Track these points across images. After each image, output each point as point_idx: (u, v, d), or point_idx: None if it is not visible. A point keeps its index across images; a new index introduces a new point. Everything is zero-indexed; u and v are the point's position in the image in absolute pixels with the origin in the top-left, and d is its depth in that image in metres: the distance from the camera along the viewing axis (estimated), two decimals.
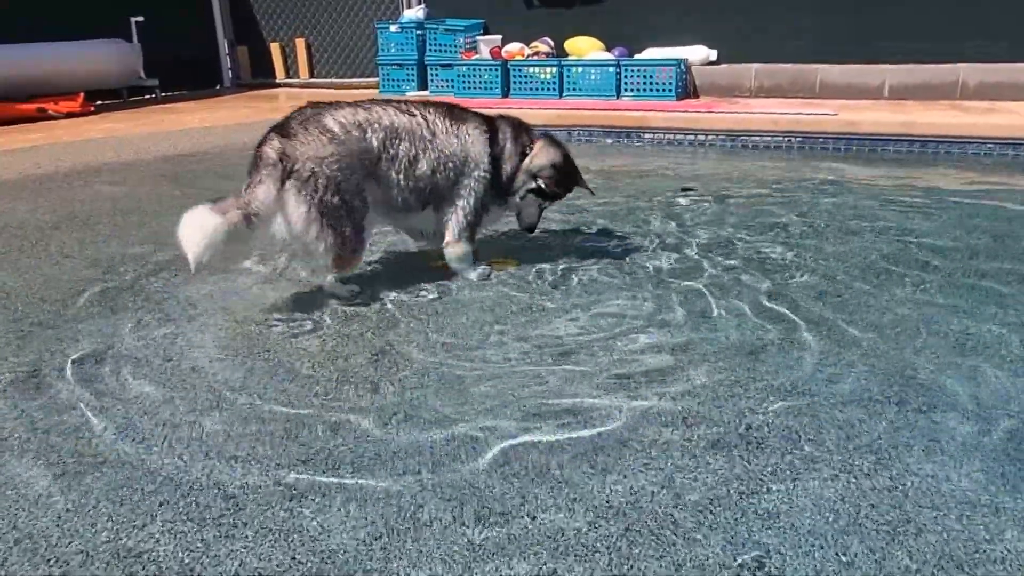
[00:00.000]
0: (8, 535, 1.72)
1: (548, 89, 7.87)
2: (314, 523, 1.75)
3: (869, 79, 7.32)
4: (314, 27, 10.37)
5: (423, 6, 9.17)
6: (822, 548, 1.64)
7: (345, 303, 3.03)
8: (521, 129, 3.36)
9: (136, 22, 8.94)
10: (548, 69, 7.87)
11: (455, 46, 8.53)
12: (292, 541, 1.69)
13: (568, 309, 2.97)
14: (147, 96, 9.44)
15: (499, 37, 8.57)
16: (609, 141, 6.77)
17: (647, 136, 6.71)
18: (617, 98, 7.62)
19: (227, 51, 10.83)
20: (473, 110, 3.36)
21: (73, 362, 2.56)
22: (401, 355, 2.61)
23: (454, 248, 3.26)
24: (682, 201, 4.60)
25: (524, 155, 3.30)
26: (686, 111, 6.85)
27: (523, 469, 1.94)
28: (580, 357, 2.56)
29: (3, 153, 5.96)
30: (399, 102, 3.19)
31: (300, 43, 10.48)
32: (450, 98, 7.08)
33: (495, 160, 3.24)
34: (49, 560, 1.65)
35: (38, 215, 4.45)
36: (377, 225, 3.32)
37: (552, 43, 8.25)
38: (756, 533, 1.69)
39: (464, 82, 8.24)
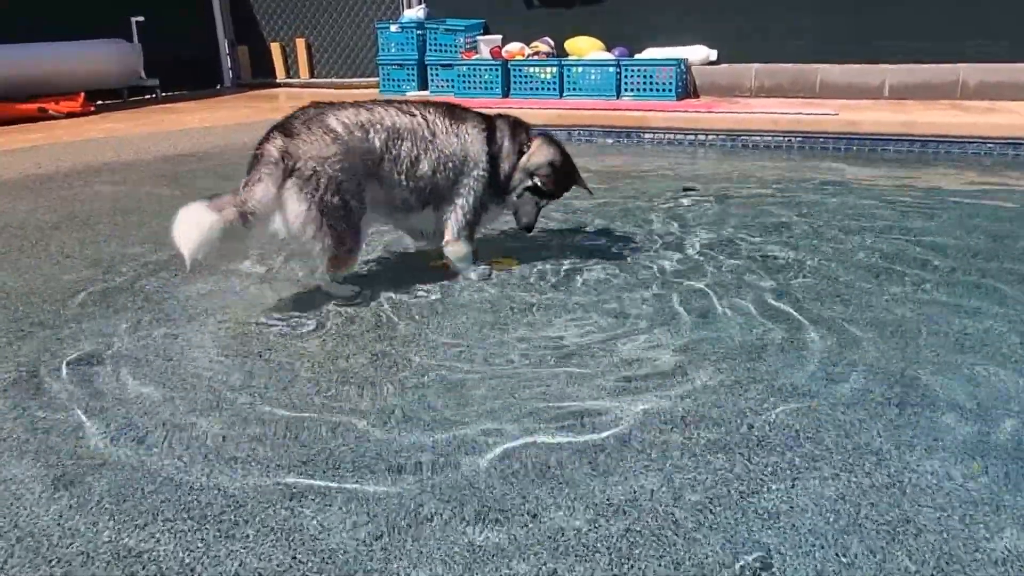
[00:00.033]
0: (10, 533, 1.73)
1: (548, 89, 7.87)
2: (314, 523, 1.75)
3: (869, 79, 7.32)
4: (314, 27, 10.38)
5: (423, 6, 9.18)
6: (823, 548, 1.64)
7: (345, 303, 3.03)
8: (519, 128, 3.36)
9: (136, 22, 8.95)
10: (548, 69, 7.88)
11: (455, 46, 8.54)
12: (293, 540, 1.69)
13: (569, 309, 2.97)
14: (147, 96, 9.45)
15: (499, 37, 8.58)
16: (609, 141, 6.78)
17: (647, 136, 6.71)
18: (617, 98, 7.62)
19: (227, 51, 10.84)
20: (472, 109, 3.36)
21: (74, 362, 2.56)
22: (401, 356, 2.61)
23: (454, 247, 3.27)
24: (682, 201, 4.59)
25: (521, 153, 3.30)
26: (686, 111, 6.85)
27: (523, 469, 1.94)
28: (581, 358, 2.56)
29: (4, 153, 5.96)
30: (400, 102, 3.19)
31: (300, 43, 10.48)
32: (450, 98, 7.08)
33: (493, 159, 3.24)
34: (51, 561, 1.65)
35: (38, 215, 4.45)
36: (375, 225, 3.32)
37: (552, 43, 8.25)
38: (757, 533, 1.69)
39: (464, 82, 8.24)
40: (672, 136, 6.63)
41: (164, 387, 2.40)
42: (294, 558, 1.64)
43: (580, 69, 7.81)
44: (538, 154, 3.29)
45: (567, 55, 8.20)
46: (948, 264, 3.37)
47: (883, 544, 1.65)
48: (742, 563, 1.60)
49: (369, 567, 1.61)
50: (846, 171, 5.38)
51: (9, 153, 5.96)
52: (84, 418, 2.21)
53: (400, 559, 1.63)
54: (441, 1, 9.14)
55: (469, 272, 3.31)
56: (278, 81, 10.70)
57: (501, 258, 3.48)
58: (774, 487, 1.85)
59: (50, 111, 7.62)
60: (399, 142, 3.04)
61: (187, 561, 1.64)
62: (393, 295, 3.11)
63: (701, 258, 3.53)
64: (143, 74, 8.93)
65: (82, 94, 8.05)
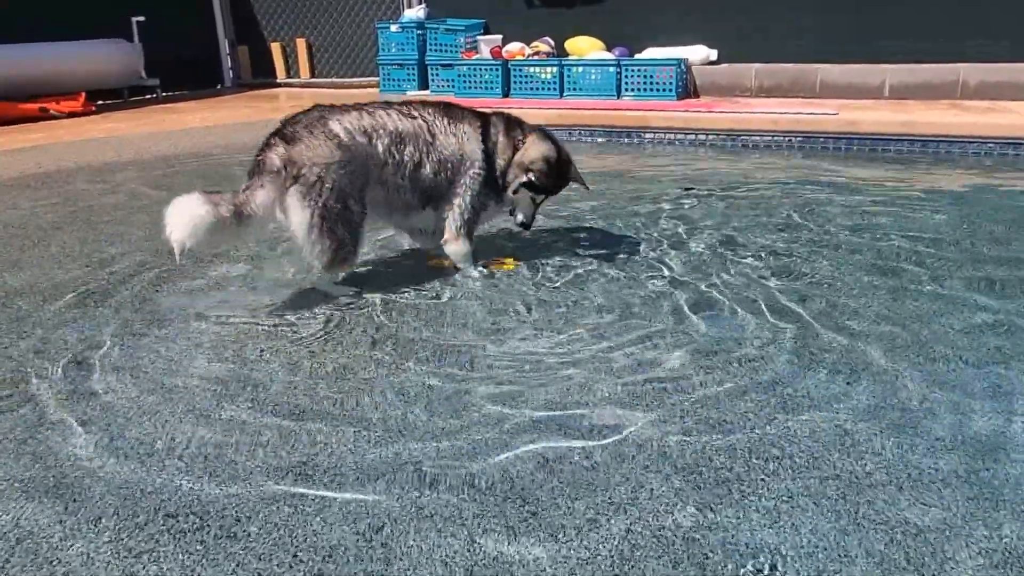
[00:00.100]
0: (10, 535, 1.73)
1: (549, 89, 7.87)
2: (314, 523, 1.75)
3: (870, 79, 7.31)
4: (315, 27, 10.37)
5: (424, 6, 9.17)
6: (825, 549, 1.64)
7: (344, 305, 3.02)
8: (514, 124, 3.37)
9: (137, 22, 8.95)
10: (549, 69, 7.87)
11: (456, 46, 8.53)
12: (296, 537, 1.70)
13: (570, 311, 2.97)
14: (148, 96, 9.45)
15: (500, 37, 8.57)
16: (610, 141, 6.77)
17: (648, 136, 6.71)
18: (618, 98, 7.62)
19: (228, 51, 10.83)
20: (469, 108, 3.37)
21: (75, 363, 2.56)
22: (400, 358, 2.61)
23: (454, 245, 3.27)
24: (683, 201, 4.59)
25: (516, 149, 3.30)
26: (686, 111, 6.84)
27: (524, 471, 1.94)
28: (581, 359, 2.56)
29: (5, 152, 5.96)
30: (400, 104, 3.19)
31: (301, 43, 10.48)
32: (451, 98, 7.08)
33: (488, 156, 3.25)
34: (52, 561, 1.65)
35: (39, 214, 4.46)
36: (374, 224, 3.33)
37: (552, 43, 8.24)
38: (758, 533, 1.69)
39: (465, 82, 8.24)
40: (672, 136, 6.63)
41: (165, 387, 2.40)
42: (295, 555, 1.64)
43: (580, 69, 7.81)
44: (532, 149, 3.29)
45: (567, 55, 8.20)
46: (948, 263, 3.36)
47: (881, 547, 1.65)
48: (742, 563, 1.61)
49: (370, 569, 1.62)
50: (846, 171, 5.38)
51: (10, 153, 5.97)
52: (85, 417, 2.21)
53: (401, 559, 1.64)
54: (441, 1, 9.14)
55: (470, 270, 3.31)
56: (278, 81, 10.70)
57: (501, 258, 3.48)
58: (775, 486, 1.85)
59: (51, 111, 7.63)
60: (402, 146, 3.05)
61: (187, 563, 1.64)
62: (391, 296, 3.11)
63: (702, 258, 3.53)
64: (144, 74, 8.93)
65: (83, 94, 8.06)
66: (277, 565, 1.63)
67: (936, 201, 4.48)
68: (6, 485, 1.91)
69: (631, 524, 1.73)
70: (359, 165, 2.96)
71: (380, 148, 3.01)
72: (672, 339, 2.70)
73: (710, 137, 6.52)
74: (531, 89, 7.95)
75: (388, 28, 8.87)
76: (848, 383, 2.36)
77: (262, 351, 2.64)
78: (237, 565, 1.63)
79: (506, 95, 8.02)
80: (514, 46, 8.28)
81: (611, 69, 7.64)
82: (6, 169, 5.55)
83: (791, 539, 1.68)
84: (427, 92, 8.50)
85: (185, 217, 2.67)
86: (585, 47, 8.12)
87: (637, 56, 7.90)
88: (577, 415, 2.20)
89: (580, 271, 3.37)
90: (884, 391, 2.31)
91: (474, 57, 8.39)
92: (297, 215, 2.86)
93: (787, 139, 6.28)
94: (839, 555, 1.62)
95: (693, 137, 6.57)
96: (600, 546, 1.67)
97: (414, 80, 8.79)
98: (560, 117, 6.79)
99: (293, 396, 2.34)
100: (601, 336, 2.73)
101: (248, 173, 2.92)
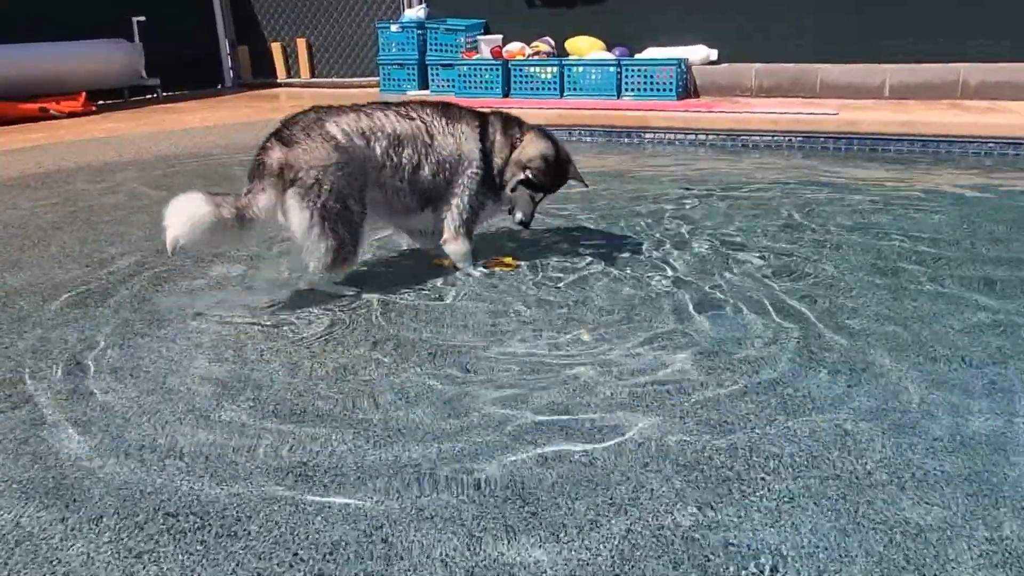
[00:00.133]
0: (11, 536, 1.73)
1: (549, 89, 7.87)
2: (316, 522, 1.75)
3: (870, 79, 7.31)
4: (315, 27, 10.37)
5: (424, 6, 9.18)
6: (826, 549, 1.64)
7: (344, 305, 3.02)
8: (512, 122, 3.37)
9: (138, 22, 8.95)
10: (549, 69, 7.88)
11: (456, 46, 8.54)
12: (298, 535, 1.70)
13: (570, 312, 2.97)
14: (148, 96, 9.45)
15: (500, 37, 8.57)
16: (610, 141, 6.77)
17: (648, 136, 6.71)
18: (618, 98, 7.62)
19: (228, 51, 10.84)
20: (468, 108, 3.37)
21: (74, 363, 2.56)
22: (401, 358, 2.60)
23: (453, 244, 3.28)
24: (683, 201, 4.59)
25: (514, 148, 3.30)
26: (687, 111, 6.84)
27: (525, 471, 1.94)
28: (582, 360, 2.56)
29: (5, 152, 5.96)
30: (398, 105, 3.19)
31: (301, 43, 10.48)
32: (451, 97, 7.08)
33: (486, 155, 3.25)
34: (52, 561, 1.65)
35: (39, 214, 4.46)
36: (374, 225, 3.33)
37: (553, 43, 8.25)
38: (759, 533, 1.69)
39: (465, 82, 8.24)
40: (672, 136, 6.63)
41: (163, 388, 2.40)
42: (296, 554, 1.64)
43: (581, 69, 7.81)
44: (530, 147, 3.29)
45: (568, 55, 8.20)
46: (948, 263, 3.36)
47: (881, 548, 1.65)
48: (743, 564, 1.61)
49: (370, 568, 1.62)
50: (846, 171, 5.37)
51: (10, 153, 5.97)
52: (86, 417, 2.21)
53: (401, 559, 1.64)
54: (442, 1, 9.14)
55: (470, 269, 3.31)
56: (279, 81, 10.70)
57: (502, 258, 3.47)
58: (776, 486, 1.85)
59: (51, 111, 7.63)
60: (400, 149, 3.05)
61: (187, 563, 1.64)
62: (392, 296, 3.11)
63: (703, 258, 3.53)
64: (144, 74, 8.94)
65: (83, 94, 8.06)
66: (277, 564, 1.63)
67: (936, 201, 4.48)
68: (5, 486, 1.91)
69: (631, 524, 1.73)
70: (357, 166, 2.96)
71: (378, 151, 3.01)
72: (673, 339, 2.69)
73: (710, 137, 6.52)
74: (531, 89, 7.95)
75: (388, 28, 8.88)
76: (848, 383, 2.35)
77: (262, 351, 2.64)
78: (237, 565, 1.63)
79: (506, 95, 8.02)
80: (514, 46, 8.28)
81: (611, 69, 7.64)
82: (6, 169, 5.55)
83: (792, 539, 1.68)
84: (427, 92, 8.50)
85: (184, 215, 2.69)
86: (585, 47, 8.13)
87: (637, 56, 7.90)
88: (578, 415, 2.20)
89: (580, 271, 3.37)
90: (885, 391, 2.30)
91: (474, 57, 8.40)
92: (296, 216, 2.87)
93: (787, 139, 6.28)
94: (839, 555, 1.62)
95: (693, 137, 6.57)
96: (601, 546, 1.67)
97: (414, 80, 8.79)
98: (560, 117, 6.79)
99: (293, 396, 2.34)
100: (602, 336, 2.72)
101: (248, 176, 2.93)
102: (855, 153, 6.02)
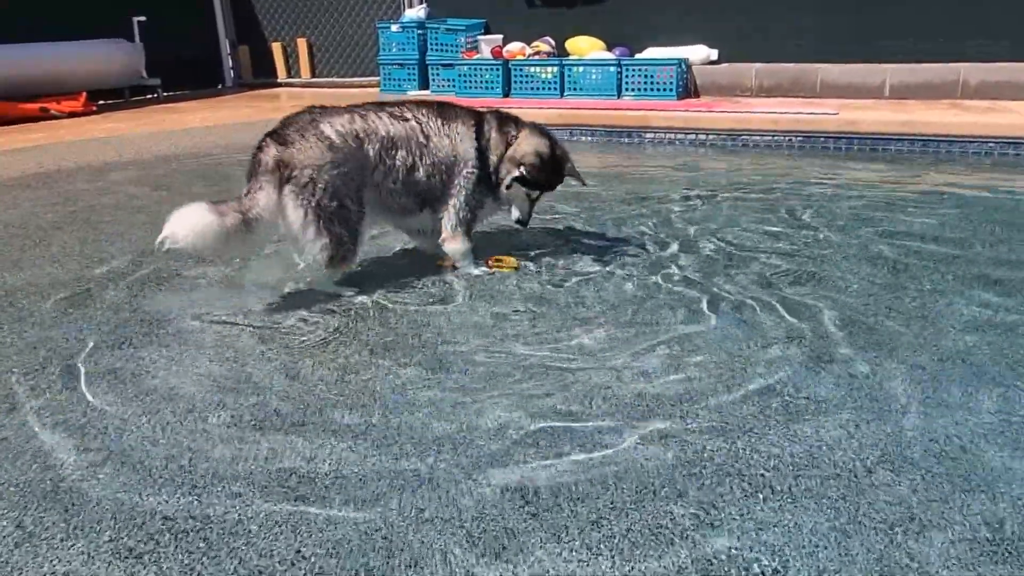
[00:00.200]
0: (10, 536, 1.73)
1: (549, 89, 7.87)
2: (317, 521, 1.75)
3: (870, 78, 7.31)
4: (316, 27, 10.38)
5: (424, 6, 9.18)
6: (826, 549, 1.65)
7: (344, 306, 3.02)
8: (507, 120, 3.37)
9: (138, 22, 8.96)
10: (549, 69, 7.88)
11: (456, 45, 8.54)
12: (300, 533, 1.70)
13: (571, 314, 2.97)
14: (149, 96, 9.46)
15: (500, 37, 8.57)
16: (610, 141, 6.77)
17: (648, 136, 6.71)
18: (618, 98, 7.62)
19: (229, 51, 10.84)
20: (464, 107, 3.37)
21: (73, 363, 2.56)
22: (401, 359, 2.60)
23: (452, 243, 3.28)
24: (683, 201, 4.59)
25: (510, 145, 3.30)
26: (687, 111, 6.84)
27: (525, 471, 1.94)
28: (583, 360, 2.56)
29: (5, 152, 5.97)
30: (393, 106, 3.19)
31: (301, 43, 10.48)
32: (451, 97, 7.08)
33: (482, 153, 3.25)
34: (52, 560, 1.65)
35: (40, 214, 4.46)
36: (375, 227, 3.34)
37: (553, 43, 8.25)
38: (760, 532, 1.69)
39: (465, 82, 8.24)
40: (673, 136, 6.63)
41: (162, 389, 2.40)
42: (298, 552, 1.64)
43: (581, 69, 7.81)
44: (524, 144, 3.29)
45: (568, 55, 8.20)
46: (948, 263, 3.36)
47: (882, 548, 1.65)
48: (744, 564, 1.61)
49: (371, 567, 1.62)
50: (846, 171, 5.38)
51: (11, 153, 5.97)
52: (87, 416, 2.21)
53: (401, 558, 1.64)
54: (442, 1, 9.14)
55: (470, 268, 3.32)
56: (279, 81, 10.71)
57: (502, 258, 3.47)
58: (776, 486, 1.85)
59: (52, 111, 7.63)
60: (393, 151, 3.06)
61: (187, 562, 1.64)
62: (392, 297, 3.10)
63: (703, 259, 3.53)
64: (145, 74, 8.94)
65: (84, 94, 8.06)
66: (279, 563, 1.63)
67: (936, 201, 4.48)
68: (2, 488, 1.91)
69: (632, 524, 1.73)
70: (352, 167, 2.97)
71: (371, 153, 3.02)
72: (674, 339, 2.69)
73: (711, 137, 6.52)
74: (532, 89, 7.95)
75: (389, 28, 8.88)
76: (849, 384, 2.35)
77: (262, 352, 2.64)
78: (239, 562, 1.63)
79: (507, 95, 8.02)
80: (515, 46, 8.28)
81: (611, 69, 7.64)
82: (6, 169, 5.55)
83: (793, 539, 1.67)
84: (428, 92, 8.50)
85: (187, 226, 2.67)
86: (585, 47, 8.13)
87: (637, 56, 7.90)
88: (578, 416, 2.20)
89: (581, 271, 3.37)
90: (885, 391, 2.30)
91: (475, 57, 8.40)
92: (292, 214, 2.88)
93: (787, 139, 6.28)
94: (840, 555, 1.62)
95: (693, 137, 6.58)
96: (601, 546, 1.67)
97: (415, 80, 8.79)
98: (560, 117, 6.79)
99: (293, 397, 2.34)
100: (603, 336, 2.72)
101: (246, 176, 2.93)
102: (855, 153, 6.02)
